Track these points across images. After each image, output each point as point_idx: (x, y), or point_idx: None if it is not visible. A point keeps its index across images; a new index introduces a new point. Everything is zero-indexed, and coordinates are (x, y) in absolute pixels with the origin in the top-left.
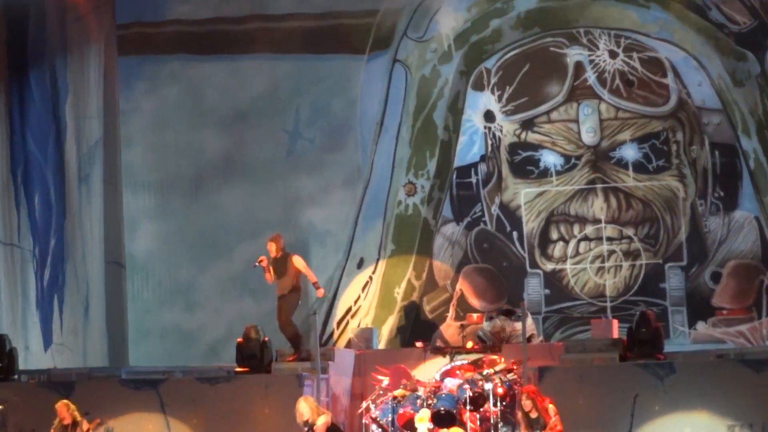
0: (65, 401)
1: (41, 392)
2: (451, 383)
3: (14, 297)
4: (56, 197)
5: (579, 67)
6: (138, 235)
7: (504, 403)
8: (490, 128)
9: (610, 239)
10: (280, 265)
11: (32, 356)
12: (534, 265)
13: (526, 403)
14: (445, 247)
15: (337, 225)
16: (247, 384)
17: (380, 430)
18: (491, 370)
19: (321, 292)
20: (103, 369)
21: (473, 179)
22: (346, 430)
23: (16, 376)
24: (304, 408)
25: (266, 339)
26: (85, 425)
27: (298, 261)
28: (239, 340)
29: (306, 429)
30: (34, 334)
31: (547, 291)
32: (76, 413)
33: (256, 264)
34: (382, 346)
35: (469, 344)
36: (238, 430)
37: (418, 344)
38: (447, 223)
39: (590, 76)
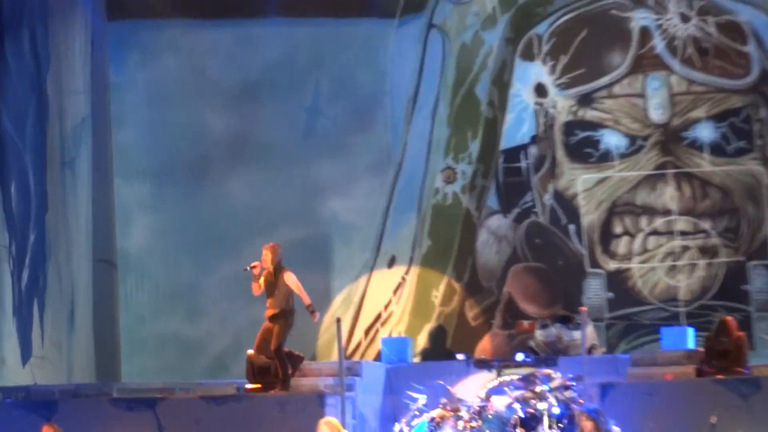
0: (51, 425)
1: (19, 414)
2: (498, 402)
3: None
4: (36, 185)
5: (645, 33)
6: (132, 230)
7: (561, 426)
8: (541, 104)
9: (683, 233)
10: (272, 280)
11: (8, 371)
12: (594, 263)
13: (586, 425)
14: (490, 243)
15: (364, 217)
16: (259, 404)
17: None
18: (545, 387)
19: (316, 316)
20: (91, 386)
21: (523, 164)
22: None
23: None
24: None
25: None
26: None
27: (289, 278)
28: (250, 352)
29: None
30: (11, 345)
31: (611, 294)
32: None
33: (248, 267)
34: (416, 359)
35: (520, 356)
36: None
37: (459, 356)
38: (492, 215)
39: (658, 44)
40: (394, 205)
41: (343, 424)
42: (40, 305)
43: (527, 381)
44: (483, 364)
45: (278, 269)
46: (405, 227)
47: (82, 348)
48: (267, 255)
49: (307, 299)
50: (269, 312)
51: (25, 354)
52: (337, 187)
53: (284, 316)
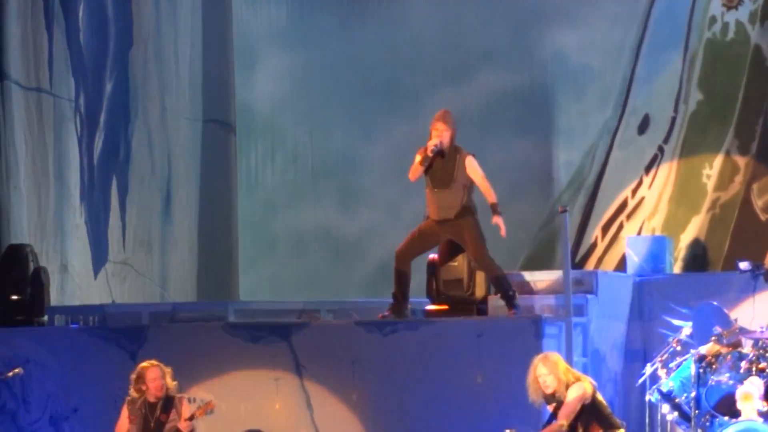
0: (154, 363)
1: (89, 345)
2: None
3: (42, 180)
4: (115, 7)
5: None
6: (259, 76)
7: None
8: None
9: None
10: (444, 167)
11: (73, 283)
12: None
13: None
14: None
15: (604, 58)
16: (445, 332)
17: (676, 413)
18: None
19: (503, 230)
20: (195, 306)
21: None
22: (617, 411)
23: (45, 318)
24: (546, 374)
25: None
26: (185, 408)
27: (471, 165)
28: (433, 257)
29: (551, 406)
30: (77, 245)
31: None
32: (172, 384)
33: (435, 146)
34: (678, 268)
35: None
36: (430, 412)
37: (743, 265)
38: None
39: None
40: (649, 40)
41: (569, 362)
42: (120, 186)
43: None
44: None
45: (454, 151)
46: (664, 73)
47: (183, 250)
48: (442, 127)
49: (492, 195)
50: (442, 213)
51: (99, 259)
52: (563, 12)
53: (470, 214)
